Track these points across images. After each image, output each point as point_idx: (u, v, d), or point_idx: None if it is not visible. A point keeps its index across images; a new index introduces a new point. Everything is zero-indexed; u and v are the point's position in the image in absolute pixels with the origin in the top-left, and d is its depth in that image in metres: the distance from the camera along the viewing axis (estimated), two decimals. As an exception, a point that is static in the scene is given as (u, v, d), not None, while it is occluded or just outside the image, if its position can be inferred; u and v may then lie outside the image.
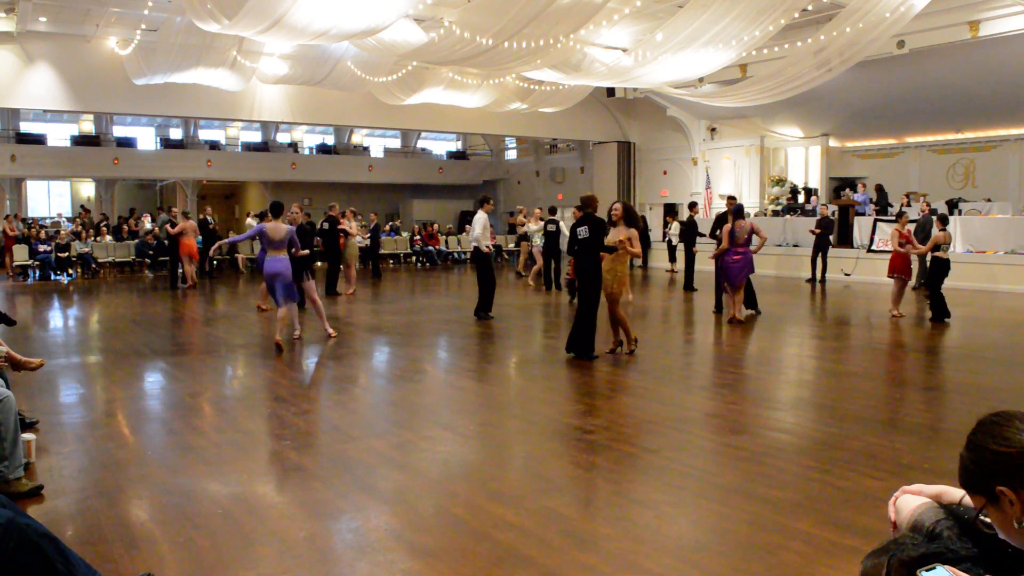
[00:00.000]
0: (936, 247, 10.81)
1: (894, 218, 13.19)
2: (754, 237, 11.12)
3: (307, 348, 9.18)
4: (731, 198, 12.43)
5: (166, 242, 18.25)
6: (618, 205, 8.50)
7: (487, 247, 11.33)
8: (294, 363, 8.47)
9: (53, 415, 6.02)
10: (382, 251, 21.72)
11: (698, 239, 15.88)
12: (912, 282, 12.20)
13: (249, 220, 23.81)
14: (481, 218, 11.39)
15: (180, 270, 17.20)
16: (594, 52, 15.68)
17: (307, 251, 9.55)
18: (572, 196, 26.30)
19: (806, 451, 5.14)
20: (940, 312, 10.78)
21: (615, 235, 8.25)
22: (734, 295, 10.94)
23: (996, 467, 1.57)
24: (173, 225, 17.48)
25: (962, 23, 14.63)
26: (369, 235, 19.55)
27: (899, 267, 11.35)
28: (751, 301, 11.57)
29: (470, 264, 24.25)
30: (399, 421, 6.14)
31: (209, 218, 20.30)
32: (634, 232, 8.22)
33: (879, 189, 18.89)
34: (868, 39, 12.43)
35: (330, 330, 9.77)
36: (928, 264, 10.97)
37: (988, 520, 1.65)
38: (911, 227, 12.50)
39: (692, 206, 16.79)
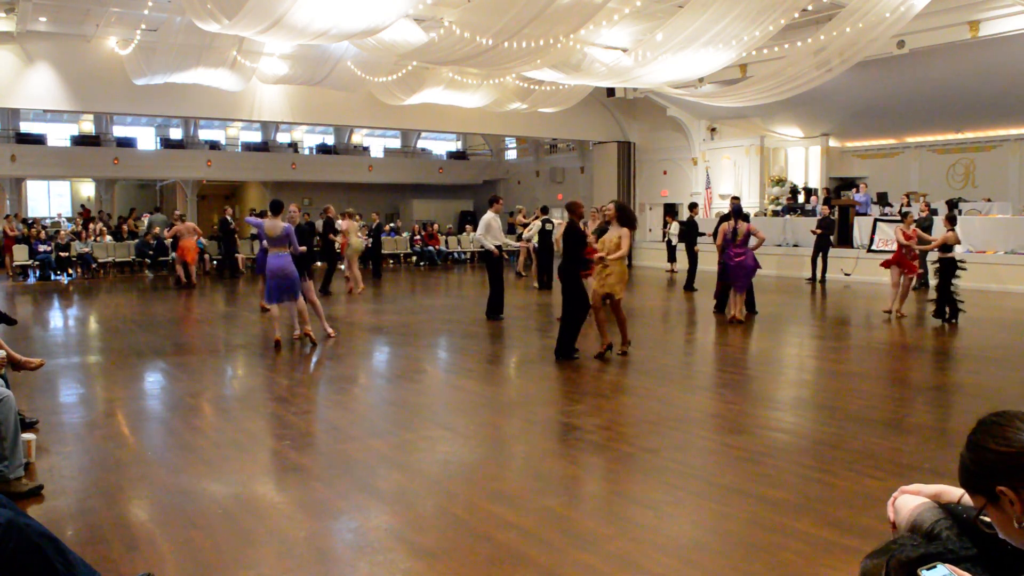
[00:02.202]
0: (946, 247, 10.83)
1: (899, 218, 13.30)
2: (751, 238, 11.12)
3: (307, 348, 9.18)
4: (734, 198, 12.50)
5: (167, 241, 18.20)
6: (611, 205, 8.57)
7: (495, 248, 11.25)
8: (294, 363, 8.47)
9: (53, 415, 6.02)
10: (382, 251, 21.72)
11: (699, 239, 15.89)
12: (914, 282, 12.26)
13: (248, 219, 23.82)
14: (488, 218, 11.40)
15: (184, 270, 17.21)
16: (594, 52, 15.68)
17: (304, 248, 9.59)
18: (572, 196, 26.25)
19: (806, 451, 5.14)
20: (941, 311, 10.75)
21: (611, 235, 8.27)
22: (737, 295, 10.94)
23: (996, 467, 1.57)
24: (171, 226, 17.52)
25: (962, 23, 14.62)
26: (370, 235, 19.55)
27: (894, 262, 11.58)
28: (749, 302, 11.58)
29: (470, 264, 24.27)
30: (399, 421, 6.13)
31: (229, 218, 20.31)
32: (626, 231, 8.18)
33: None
34: (868, 39, 12.42)
35: (329, 330, 9.79)
36: (936, 264, 10.99)
37: (988, 520, 1.65)
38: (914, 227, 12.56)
39: (692, 207, 16.79)
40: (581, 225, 8.83)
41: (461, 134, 31.21)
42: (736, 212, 11.16)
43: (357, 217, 16.96)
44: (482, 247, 11.54)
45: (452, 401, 6.97)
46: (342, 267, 16.48)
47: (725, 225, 11.15)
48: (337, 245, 15.56)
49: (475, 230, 25.42)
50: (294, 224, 9.61)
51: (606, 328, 8.35)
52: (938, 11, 13.67)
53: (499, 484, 4.54)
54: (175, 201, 28.43)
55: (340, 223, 15.71)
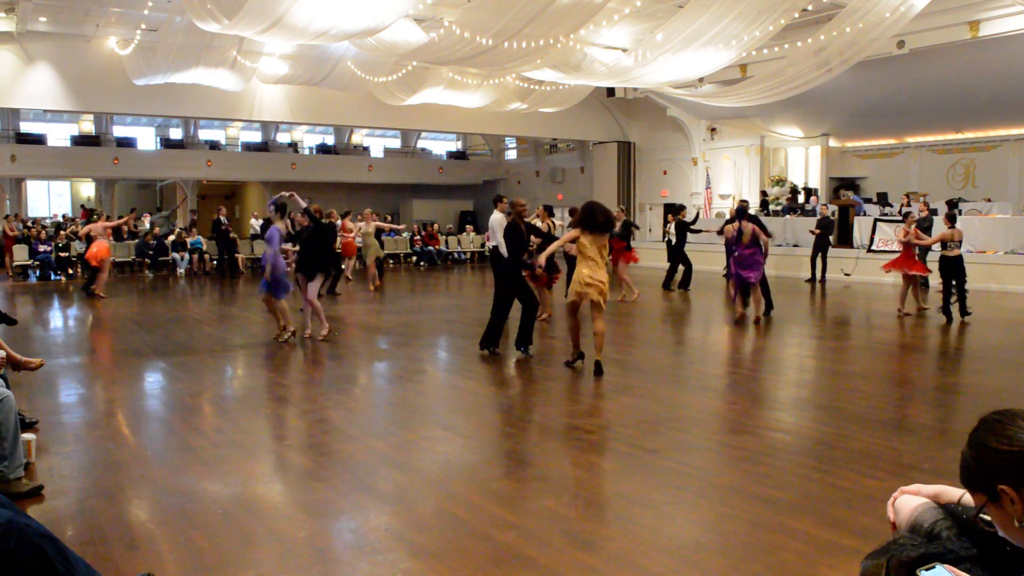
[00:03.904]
0: (943, 244, 10.87)
1: (900, 218, 13.37)
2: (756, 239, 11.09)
3: (306, 348, 9.18)
4: (742, 201, 12.65)
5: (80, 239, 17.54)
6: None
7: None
8: (294, 363, 8.47)
9: (53, 415, 6.02)
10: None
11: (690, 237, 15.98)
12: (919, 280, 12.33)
13: (253, 222, 23.81)
14: (498, 219, 11.34)
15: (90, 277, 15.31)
16: (594, 52, 15.68)
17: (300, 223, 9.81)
18: (572, 196, 26.33)
19: (806, 451, 5.14)
20: (963, 309, 10.76)
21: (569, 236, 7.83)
22: (753, 295, 10.89)
23: (998, 465, 1.57)
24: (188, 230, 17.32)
25: (962, 23, 14.63)
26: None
27: (900, 263, 11.64)
28: (766, 300, 11.52)
29: (470, 264, 24.26)
30: (399, 421, 6.13)
31: (223, 218, 20.23)
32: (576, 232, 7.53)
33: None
34: (868, 39, 12.43)
35: (309, 332, 9.77)
36: (939, 264, 11.06)
37: (988, 518, 1.65)
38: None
39: (681, 209, 16.83)
40: (523, 224, 8.86)
41: (461, 134, 31.22)
42: (740, 213, 11.16)
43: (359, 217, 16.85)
44: (482, 246, 11.55)
45: (452, 401, 6.97)
46: (343, 266, 16.43)
47: (729, 227, 11.16)
48: (338, 245, 15.49)
49: (475, 231, 25.60)
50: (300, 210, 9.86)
51: (578, 335, 7.90)
52: (938, 11, 13.68)
53: (499, 484, 4.54)
54: (175, 201, 28.44)
55: (359, 225, 15.66)
